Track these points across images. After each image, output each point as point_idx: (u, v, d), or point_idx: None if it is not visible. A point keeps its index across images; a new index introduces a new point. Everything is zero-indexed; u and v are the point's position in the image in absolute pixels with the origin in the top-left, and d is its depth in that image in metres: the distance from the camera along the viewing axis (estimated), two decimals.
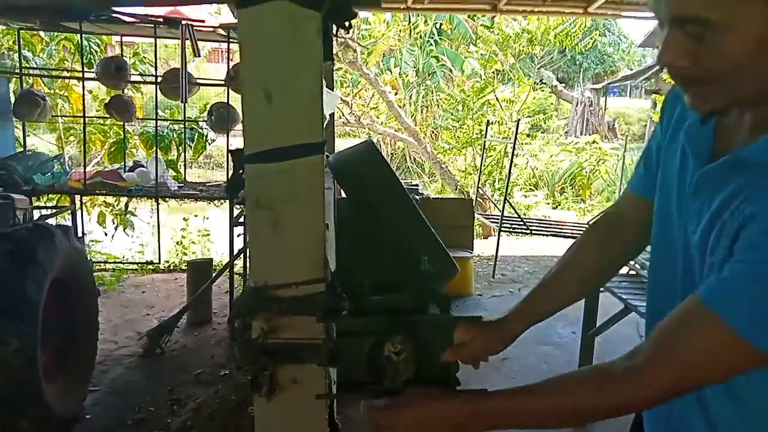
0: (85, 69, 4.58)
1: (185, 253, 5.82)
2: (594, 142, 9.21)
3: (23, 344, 2.36)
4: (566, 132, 15.61)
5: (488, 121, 6.12)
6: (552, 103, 17.07)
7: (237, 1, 1.13)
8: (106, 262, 5.48)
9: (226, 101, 4.31)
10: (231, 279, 4.03)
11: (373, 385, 1.10)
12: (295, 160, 1.15)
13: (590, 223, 1.12)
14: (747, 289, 0.65)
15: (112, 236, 5.78)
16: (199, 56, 3.95)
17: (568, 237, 4.68)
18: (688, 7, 0.64)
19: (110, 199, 5.86)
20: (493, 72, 9.16)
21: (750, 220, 0.66)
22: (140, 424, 2.86)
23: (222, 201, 4.22)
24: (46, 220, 3.69)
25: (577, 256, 1.06)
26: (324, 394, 1.13)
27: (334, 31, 1.32)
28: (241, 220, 4.24)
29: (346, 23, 1.23)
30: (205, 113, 6.39)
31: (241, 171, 1.17)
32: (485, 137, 5.79)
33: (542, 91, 14.50)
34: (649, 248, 0.99)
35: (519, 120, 5.26)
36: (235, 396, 3.06)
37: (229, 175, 1.41)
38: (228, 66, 4.13)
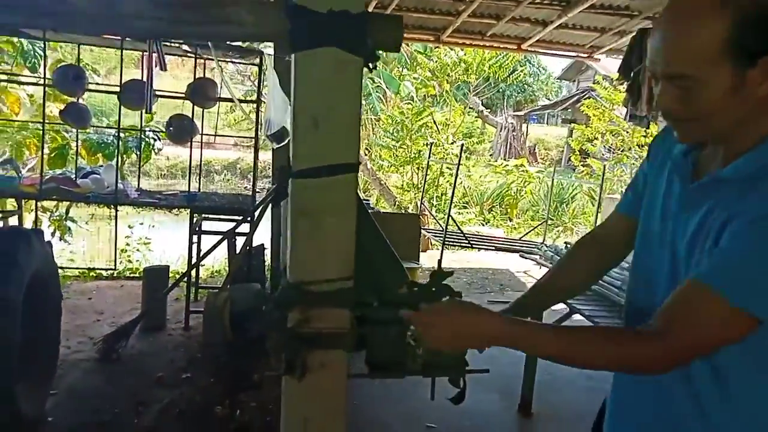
0: (29, 73, 4.53)
1: (129, 261, 5.76)
2: (522, 165, 9.88)
3: (2, 346, 2.41)
4: (491, 155, 16.45)
5: (431, 143, 6.51)
6: (478, 127, 17.89)
7: (291, 46, 1.38)
8: None
9: (183, 113, 4.42)
10: (188, 287, 4.11)
11: (396, 366, 1.36)
12: (334, 177, 1.40)
13: (578, 240, 1.37)
14: (731, 267, 0.86)
15: (50, 242, 5.62)
16: (165, 70, 4.05)
17: (505, 251, 5.13)
18: (677, 68, 0.89)
19: (48, 204, 5.72)
20: (426, 96, 9.62)
21: (731, 219, 0.88)
22: (106, 426, 2.90)
23: (181, 210, 4.30)
24: None
25: (568, 266, 1.32)
26: (358, 374, 1.37)
27: None
28: (198, 228, 4.34)
29: (370, 64, 1.51)
30: (153, 123, 6.42)
31: (285, 185, 1.42)
32: (428, 158, 6.15)
33: (469, 115, 15.25)
34: None
35: (462, 144, 5.65)
36: (201, 397, 3.18)
37: (275, 188, 1.63)
38: (194, 76, 4.24)
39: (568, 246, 4.07)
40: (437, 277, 1.40)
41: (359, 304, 1.43)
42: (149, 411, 3.05)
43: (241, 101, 4.86)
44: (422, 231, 4.95)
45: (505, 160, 11.94)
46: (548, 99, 22.52)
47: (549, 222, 7.06)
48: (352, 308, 1.42)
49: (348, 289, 1.43)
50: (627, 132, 10.85)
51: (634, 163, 10.49)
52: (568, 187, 10.43)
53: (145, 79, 4.05)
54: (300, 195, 1.41)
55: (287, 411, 1.52)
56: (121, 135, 6.07)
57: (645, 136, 10.60)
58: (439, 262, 1.47)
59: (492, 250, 5.22)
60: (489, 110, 19.58)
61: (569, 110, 18.67)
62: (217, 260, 6.01)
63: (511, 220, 9.58)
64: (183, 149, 4.64)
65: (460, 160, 5.12)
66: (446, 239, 5.00)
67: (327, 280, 1.43)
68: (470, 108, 14.88)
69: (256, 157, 4.43)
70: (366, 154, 8.98)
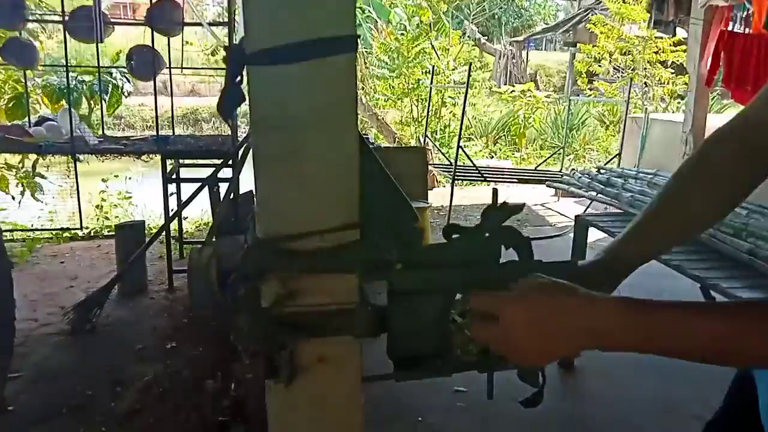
0: None
1: (107, 218, 5.25)
2: (529, 89, 9.18)
3: None
4: (492, 84, 15.68)
5: (433, 66, 5.85)
6: (476, 56, 17.05)
7: None
8: (13, 230, 4.83)
9: (145, 44, 3.80)
10: (168, 242, 3.62)
11: (438, 359, 0.87)
12: (317, 60, 0.85)
13: (712, 137, 0.86)
14: None
15: (19, 202, 5.10)
16: None
17: (524, 182, 4.65)
18: None
19: (13, 161, 5.15)
20: (420, 22, 8.84)
21: None
22: (78, 411, 2.47)
23: (151, 156, 3.75)
24: None
25: (702, 180, 0.82)
26: (378, 375, 0.88)
27: None
28: (174, 176, 3.81)
29: None
30: (119, 61, 5.74)
31: (238, 78, 0.82)
32: (431, 83, 5.52)
33: (467, 44, 14.40)
34: None
35: (471, 64, 5.02)
36: (189, 370, 2.74)
37: (221, 87, 1.05)
38: (150, 1, 3.60)
39: (602, 171, 3.51)
40: (492, 216, 0.87)
41: (372, 265, 0.90)
42: (128, 391, 2.62)
43: (211, 24, 4.20)
44: (429, 166, 4.42)
45: (512, 86, 11.19)
46: (546, 23, 21.49)
47: (561, 150, 6.50)
48: (362, 273, 0.90)
49: (353, 243, 0.91)
50: (638, 49, 10.10)
51: (648, 81, 9.82)
52: (577, 113, 9.77)
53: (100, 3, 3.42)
54: (262, 94, 0.86)
55: (274, 428, 1.03)
56: (86, 79, 5.51)
57: (657, 52, 9.87)
58: (495, 192, 0.95)
59: (510, 182, 4.70)
60: (486, 38, 18.64)
61: (570, 33, 17.73)
62: (206, 211, 5.50)
63: (519, 150, 8.99)
64: (165, 98, 4.00)
65: (468, 82, 4.50)
66: (456, 173, 4.47)
67: (319, 231, 0.91)
68: (468, 36, 14.03)
69: None
70: (360, 88, 8.30)
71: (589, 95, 11.05)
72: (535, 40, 21.14)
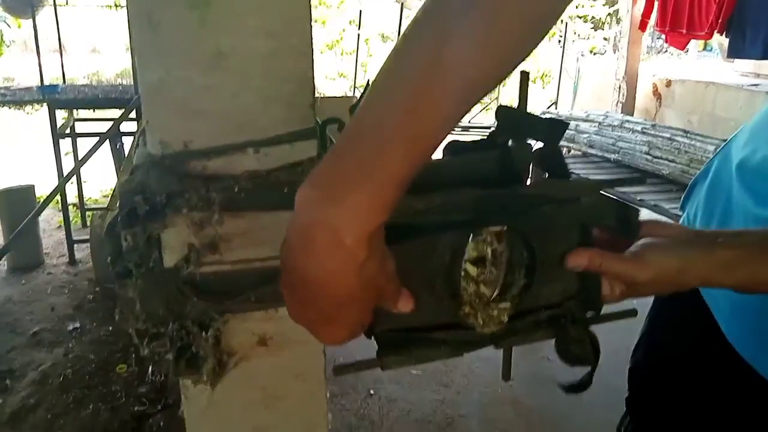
0: None
1: None
2: None
3: None
4: None
5: (360, 11, 5.42)
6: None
7: None
8: None
9: None
10: (64, 208, 3.11)
11: (443, 332, 0.56)
12: None
13: None
14: None
15: None
16: None
17: (465, 132, 4.42)
18: None
19: None
20: None
21: None
22: None
23: (37, 106, 3.20)
24: None
25: None
26: (349, 364, 0.58)
27: None
28: (68, 131, 3.29)
29: None
30: None
31: None
32: (359, 25, 5.12)
33: None
34: None
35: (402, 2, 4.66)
36: (95, 354, 2.34)
37: None
38: None
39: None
40: (506, 116, 0.61)
41: None
42: (21, 383, 2.20)
43: None
44: None
45: None
46: None
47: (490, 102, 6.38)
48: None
49: (310, 161, 0.62)
50: None
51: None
52: None
53: None
54: None
55: None
56: None
57: (575, 7, 9.94)
58: (525, 75, 0.65)
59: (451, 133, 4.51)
60: None
61: None
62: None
63: None
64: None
65: (401, 20, 4.16)
66: None
67: (256, 141, 0.61)
68: None
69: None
70: None
71: None
72: None
